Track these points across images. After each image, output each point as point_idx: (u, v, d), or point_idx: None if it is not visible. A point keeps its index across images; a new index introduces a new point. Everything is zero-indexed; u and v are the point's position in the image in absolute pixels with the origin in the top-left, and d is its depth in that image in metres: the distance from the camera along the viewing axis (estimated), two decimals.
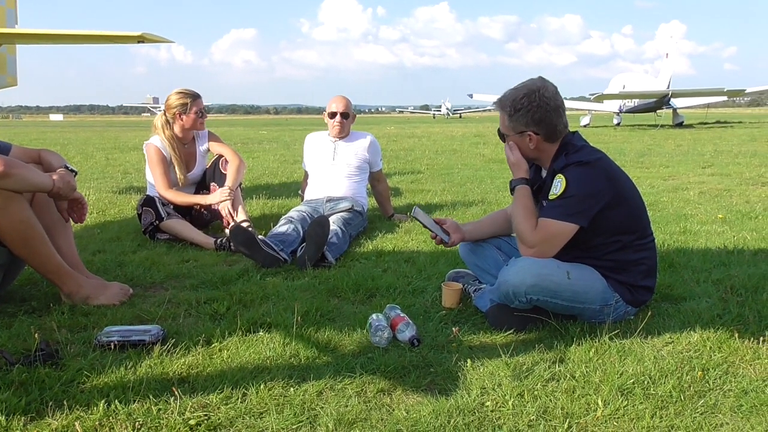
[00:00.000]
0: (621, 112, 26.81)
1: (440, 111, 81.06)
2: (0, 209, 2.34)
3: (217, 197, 3.81)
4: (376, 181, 4.44)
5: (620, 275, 2.26)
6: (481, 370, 1.89)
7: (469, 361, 1.93)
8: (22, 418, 1.58)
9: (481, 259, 2.63)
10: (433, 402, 1.69)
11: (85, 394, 1.72)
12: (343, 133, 4.25)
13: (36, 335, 1.99)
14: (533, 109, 2.22)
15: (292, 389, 1.76)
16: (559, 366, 1.92)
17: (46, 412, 1.62)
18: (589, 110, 29.39)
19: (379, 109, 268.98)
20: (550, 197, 2.20)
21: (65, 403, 1.65)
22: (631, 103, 26.35)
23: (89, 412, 1.62)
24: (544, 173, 2.38)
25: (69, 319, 2.33)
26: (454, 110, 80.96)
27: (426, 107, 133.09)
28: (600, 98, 27.00)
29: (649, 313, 2.28)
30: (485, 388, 1.77)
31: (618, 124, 26.28)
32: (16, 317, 2.37)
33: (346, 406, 1.67)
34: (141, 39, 5.13)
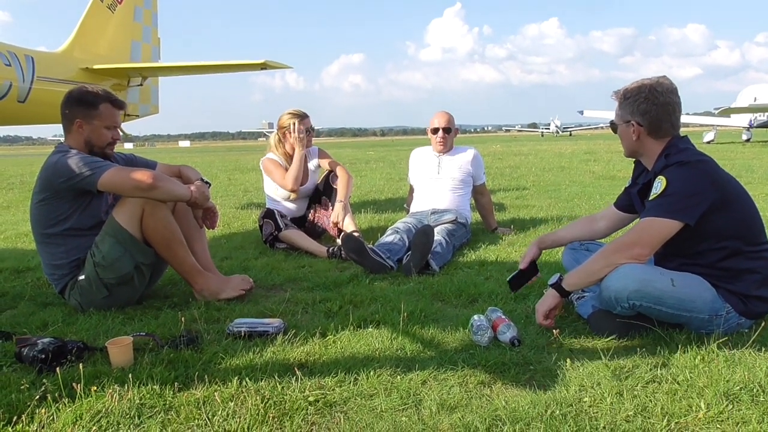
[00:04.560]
0: (751, 127, 24.73)
1: (549, 129, 79.07)
2: (149, 215, 2.74)
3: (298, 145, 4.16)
4: (479, 194, 4.53)
5: (731, 284, 2.19)
6: (581, 370, 1.94)
7: (568, 361, 1.98)
8: (172, 387, 1.86)
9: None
10: (531, 394, 1.77)
11: (221, 372, 1.98)
12: (446, 148, 4.40)
13: (182, 319, 2.31)
14: (640, 100, 2.27)
15: (398, 377, 1.91)
16: (661, 370, 1.92)
17: (191, 385, 1.89)
18: (713, 126, 27.36)
19: (485, 128, 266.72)
20: (650, 198, 2.20)
21: (206, 378, 1.91)
22: (763, 117, 24.26)
23: (225, 386, 1.87)
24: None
25: (205, 312, 2.64)
26: (564, 128, 78.59)
27: (534, 125, 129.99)
28: (726, 112, 25.09)
29: (763, 324, 2.19)
30: (584, 385, 1.83)
31: (748, 140, 24.29)
32: (161, 310, 2.73)
33: (449, 394, 1.80)
34: (264, 66, 5.66)
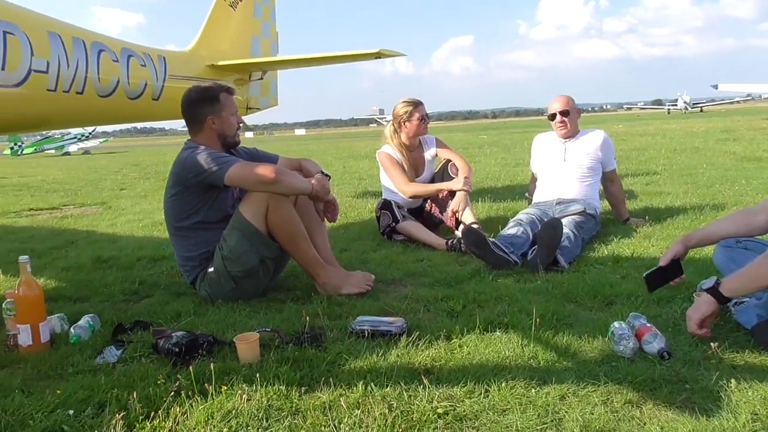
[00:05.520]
0: None
1: (676, 105, 72.97)
2: (273, 210, 2.77)
3: (459, 184, 4.02)
4: (609, 181, 4.19)
5: None
6: (750, 394, 1.67)
7: (733, 381, 1.72)
8: (298, 389, 1.83)
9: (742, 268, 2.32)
10: (692, 421, 1.55)
11: (345, 375, 1.93)
12: (570, 132, 4.10)
13: (307, 318, 2.30)
14: None
15: (533, 390, 1.76)
16: None
17: (316, 387, 1.86)
18: None
19: (604, 106, 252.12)
20: None
21: (330, 380, 1.87)
22: None
23: (350, 390, 1.81)
24: None
25: (327, 308, 2.63)
26: (694, 103, 72.06)
27: (658, 102, 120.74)
28: None
29: None
30: (757, 414, 1.57)
31: None
32: (285, 303, 2.76)
33: (592, 414, 1.62)
34: (379, 55, 5.62)
